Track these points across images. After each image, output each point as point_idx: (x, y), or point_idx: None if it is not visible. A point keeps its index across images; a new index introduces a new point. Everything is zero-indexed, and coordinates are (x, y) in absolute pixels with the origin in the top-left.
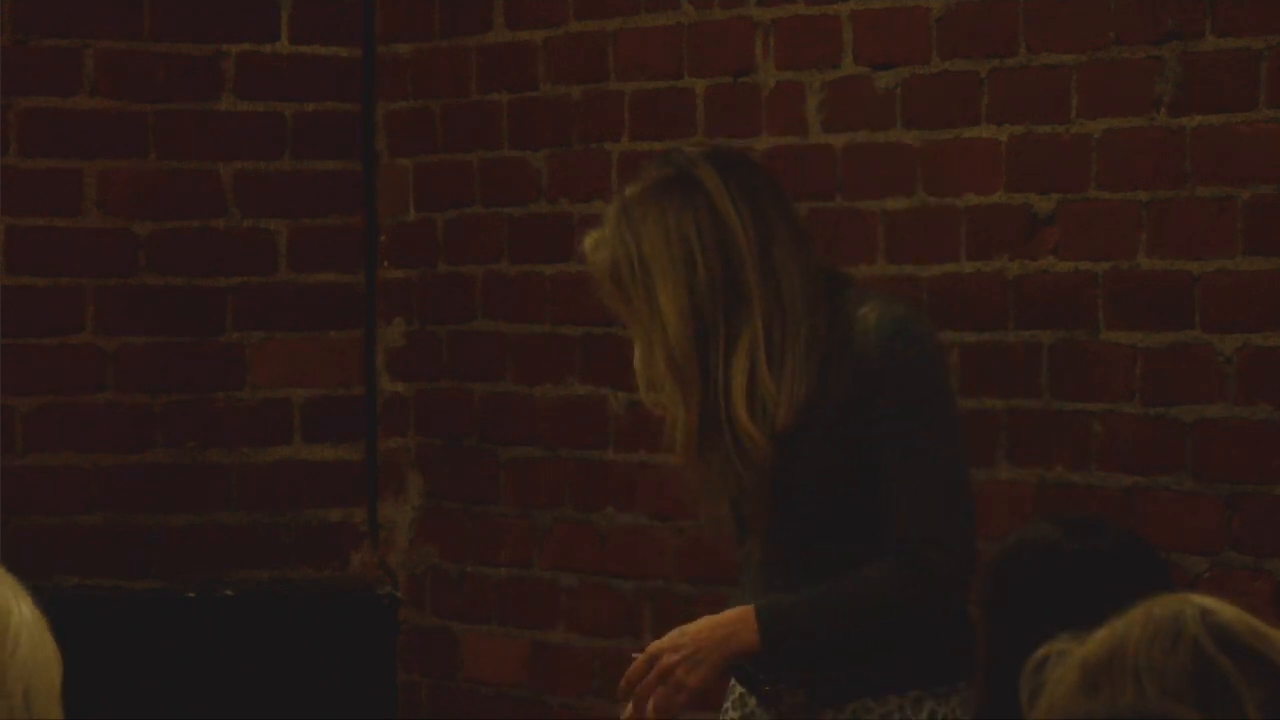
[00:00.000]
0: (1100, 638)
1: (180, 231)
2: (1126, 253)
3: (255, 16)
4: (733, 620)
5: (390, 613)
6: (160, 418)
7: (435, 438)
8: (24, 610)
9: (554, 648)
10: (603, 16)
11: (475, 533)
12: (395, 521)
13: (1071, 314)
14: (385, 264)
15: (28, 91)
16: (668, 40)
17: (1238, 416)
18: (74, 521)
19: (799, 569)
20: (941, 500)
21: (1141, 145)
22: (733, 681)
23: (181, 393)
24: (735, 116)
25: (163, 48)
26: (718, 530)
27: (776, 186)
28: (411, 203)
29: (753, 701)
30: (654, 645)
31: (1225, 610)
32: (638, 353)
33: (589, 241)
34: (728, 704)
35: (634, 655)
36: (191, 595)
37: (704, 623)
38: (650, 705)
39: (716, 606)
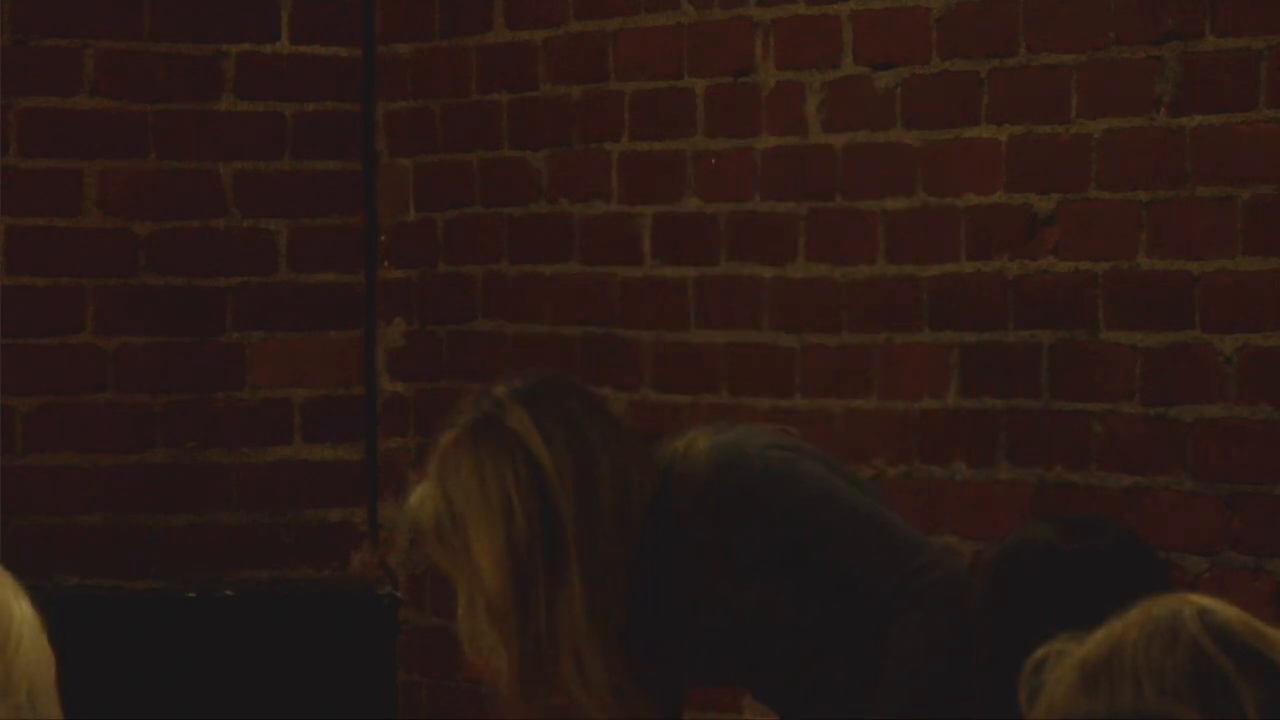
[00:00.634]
0: (1099, 638)
1: (180, 231)
2: (1126, 253)
3: (255, 16)
4: None
5: (390, 613)
6: (160, 418)
7: (435, 438)
8: (24, 609)
9: None
10: (603, 16)
11: None
12: (395, 521)
13: (1071, 314)
14: (385, 264)
15: (28, 91)
16: (668, 40)
17: (1238, 416)
18: (74, 521)
19: (815, 697)
20: (886, 544)
21: (1141, 145)
22: None
23: (181, 393)
24: (735, 116)
25: (163, 48)
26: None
27: (588, 399)
28: (411, 203)
29: None
30: None
31: (1224, 610)
32: (461, 605)
33: (414, 499)
34: None
35: None
36: (191, 595)
37: None
38: None
39: None
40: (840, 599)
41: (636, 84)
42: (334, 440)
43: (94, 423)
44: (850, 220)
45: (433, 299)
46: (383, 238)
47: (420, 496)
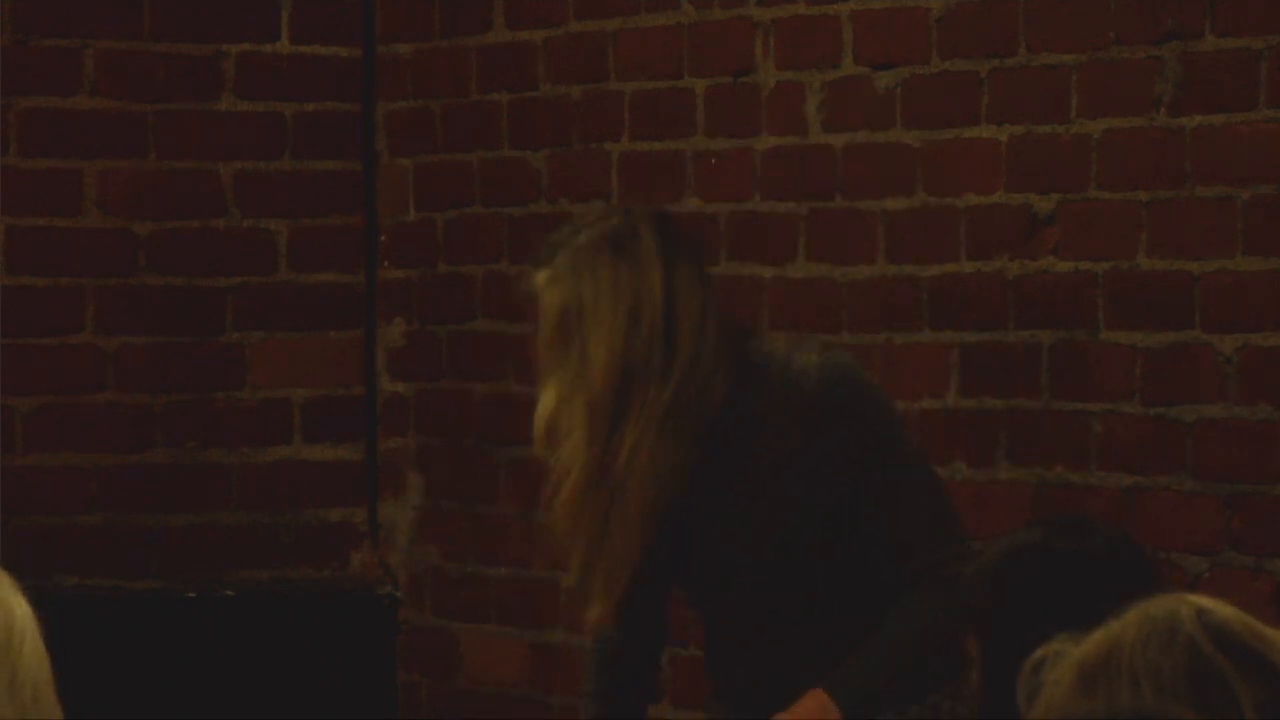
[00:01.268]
0: (1097, 638)
1: (180, 231)
2: (1126, 253)
3: (255, 16)
4: (813, 709)
5: (390, 613)
6: (160, 418)
7: (435, 438)
8: (24, 608)
9: (554, 648)
10: (603, 16)
11: (475, 533)
12: (395, 521)
13: (1071, 314)
14: (385, 264)
15: (28, 91)
16: (668, 40)
17: (1238, 416)
18: (74, 521)
19: (790, 644)
20: (940, 518)
21: (1141, 145)
22: None
23: (181, 393)
24: (735, 116)
25: (163, 48)
26: (582, 590)
27: (700, 250)
28: (411, 203)
29: None
30: None
31: (1222, 609)
32: (549, 399)
33: (542, 278)
34: None
35: None
36: (191, 595)
37: None
38: None
39: None
40: (873, 542)
41: (636, 84)
42: (334, 440)
43: (94, 423)
44: (850, 220)
45: (433, 299)
46: (383, 238)
47: (549, 278)
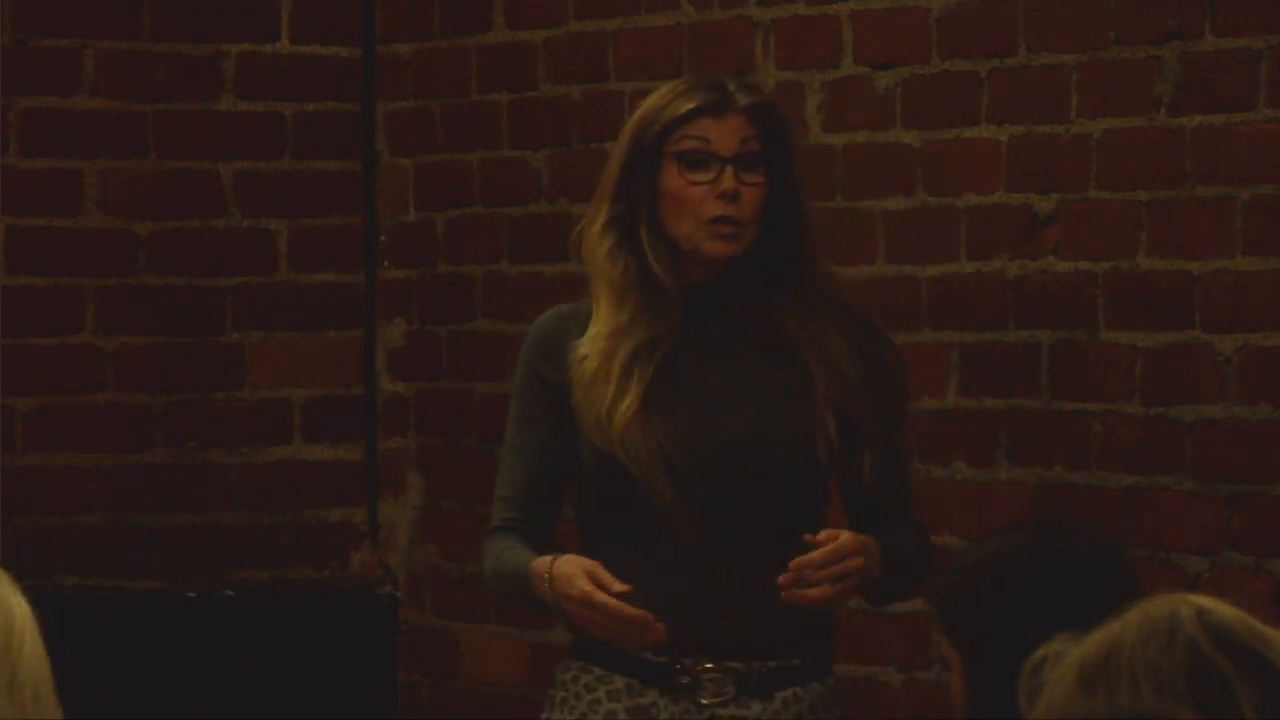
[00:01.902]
0: (1097, 638)
1: (180, 231)
2: (1126, 253)
3: (255, 16)
4: (868, 546)
5: (390, 613)
6: (160, 418)
7: (435, 438)
8: (24, 607)
9: (554, 648)
10: (603, 16)
11: (475, 533)
12: (395, 521)
13: (1071, 314)
14: (385, 264)
15: (28, 91)
16: (668, 40)
17: (1238, 416)
18: (74, 521)
19: (741, 567)
20: (909, 493)
21: (1141, 145)
22: (598, 672)
23: (181, 393)
24: None
25: (163, 48)
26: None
27: None
28: (411, 203)
29: (652, 693)
30: (845, 542)
31: (1222, 609)
32: (751, 198)
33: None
34: (597, 695)
35: (816, 540)
36: (191, 595)
37: (858, 543)
38: (816, 591)
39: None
40: (852, 489)
41: (636, 84)
42: (334, 440)
43: (94, 423)
44: (850, 220)
45: (433, 299)
46: (383, 238)
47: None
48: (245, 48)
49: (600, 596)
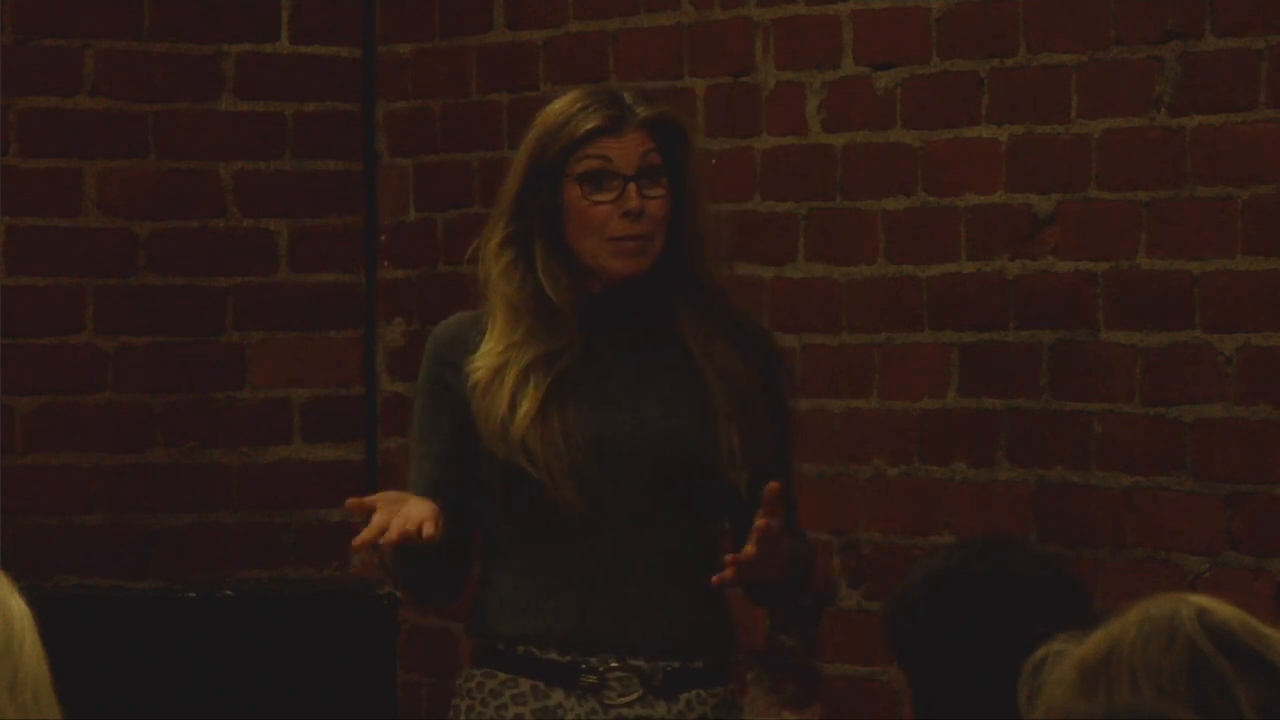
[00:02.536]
0: (1097, 638)
1: (180, 231)
2: (1126, 253)
3: (255, 16)
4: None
5: (390, 613)
6: (160, 418)
7: None
8: (22, 607)
9: None
10: (603, 16)
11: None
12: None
13: (1071, 314)
14: (385, 264)
15: (28, 91)
16: (668, 40)
17: (1238, 416)
18: (74, 521)
19: (647, 568)
20: (794, 502)
21: (1141, 145)
22: (502, 676)
23: (181, 393)
24: (735, 116)
25: (163, 48)
26: None
27: None
28: (411, 203)
29: (558, 694)
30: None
31: (1222, 610)
32: (655, 211)
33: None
34: (502, 699)
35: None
36: (191, 595)
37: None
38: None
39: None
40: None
41: (636, 84)
42: (334, 440)
43: (94, 423)
44: (850, 220)
45: (433, 299)
46: (383, 238)
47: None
48: (245, 48)
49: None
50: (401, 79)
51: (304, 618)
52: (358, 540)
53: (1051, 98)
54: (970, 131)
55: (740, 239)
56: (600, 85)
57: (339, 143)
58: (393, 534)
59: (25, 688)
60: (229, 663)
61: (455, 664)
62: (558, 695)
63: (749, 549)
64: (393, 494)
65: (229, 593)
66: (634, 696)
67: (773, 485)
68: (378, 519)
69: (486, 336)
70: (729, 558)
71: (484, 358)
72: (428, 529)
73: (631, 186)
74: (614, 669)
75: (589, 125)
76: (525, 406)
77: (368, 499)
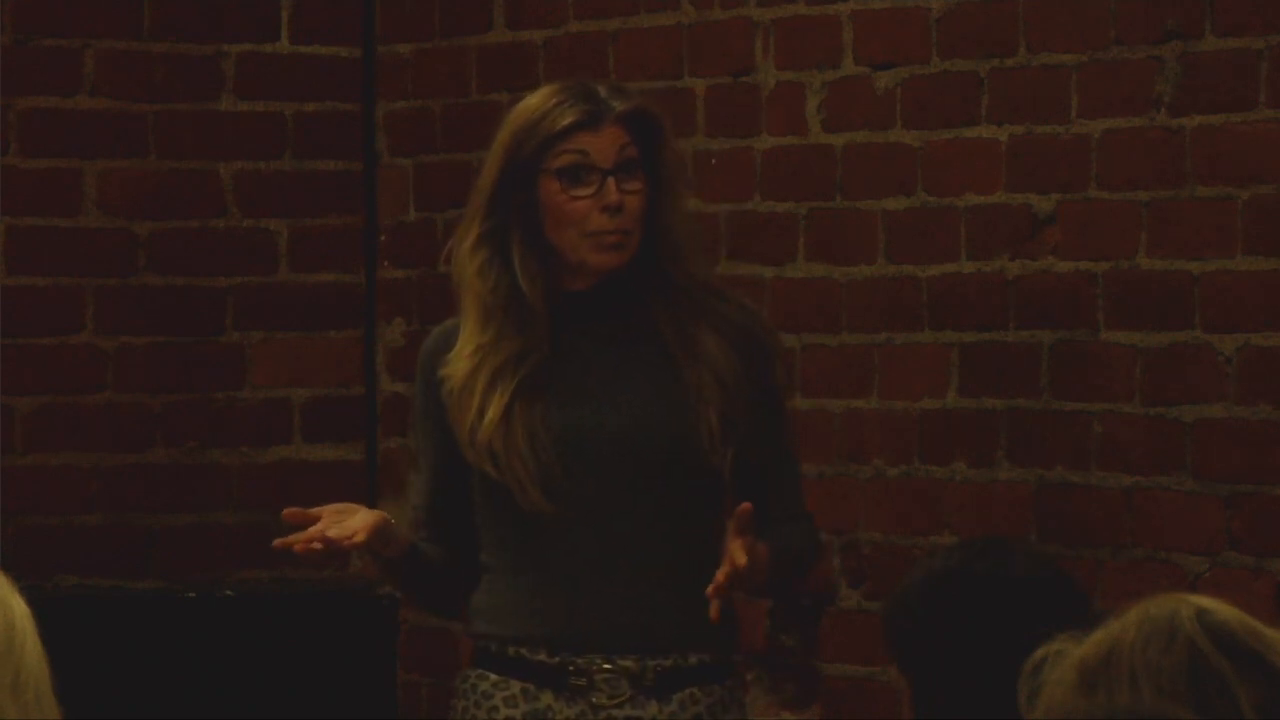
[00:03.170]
0: (1097, 638)
1: (180, 231)
2: (1126, 253)
3: (255, 16)
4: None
5: (390, 613)
6: (160, 418)
7: None
8: (23, 607)
9: None
10: (603, 16)
11: None
12: (395, 521)
13: (1071, 314)
14: (385, 264)
15: (28, 91)
16: (668, 40)
17: (1238, 416)
18: (74, 521)
19: (635, 566)
20: (798, 483)
21: (1141, 145)
22: (494, 678)
23: (181, 393)
24: (735, 116)
25: (163, 48)
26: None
27: None
28: (411, 203)
29: (547, 696)
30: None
31: (1222, 610)
32: (633, 205)
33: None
34: (494, 701)
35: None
36: (191, 595)
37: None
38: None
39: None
40: (747, 483)
41: (636, 84)
42: (334, 440)
43: (94, 423)
44: (850, 220)
45: (433, 299)
46: (383, 238)
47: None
48: (245, 48)
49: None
50: (401, 79)
51: (304, 618)
52: (278, 541)
53: (1051, 98)
54: (970, 131)
55: (740, 239)
56: (572, 80)
57: (339, 143)
58: (316, 544)
59: (27, 688)
60: (229, 663)
61: (455, 664)
62: (547, 697)
63: (719, 576)
64: (341, 505)
65: (229, 593)
66: (622, 698)
67: (745, 507)
68: (314, 529)
69: (460, 339)
70: (709, 591)
71: (456, 362)
72: (358, 538)
73: (610, 181)
74: (603, 670)
75: (566, 120)
76: (490, 413)
77: (311, 510)
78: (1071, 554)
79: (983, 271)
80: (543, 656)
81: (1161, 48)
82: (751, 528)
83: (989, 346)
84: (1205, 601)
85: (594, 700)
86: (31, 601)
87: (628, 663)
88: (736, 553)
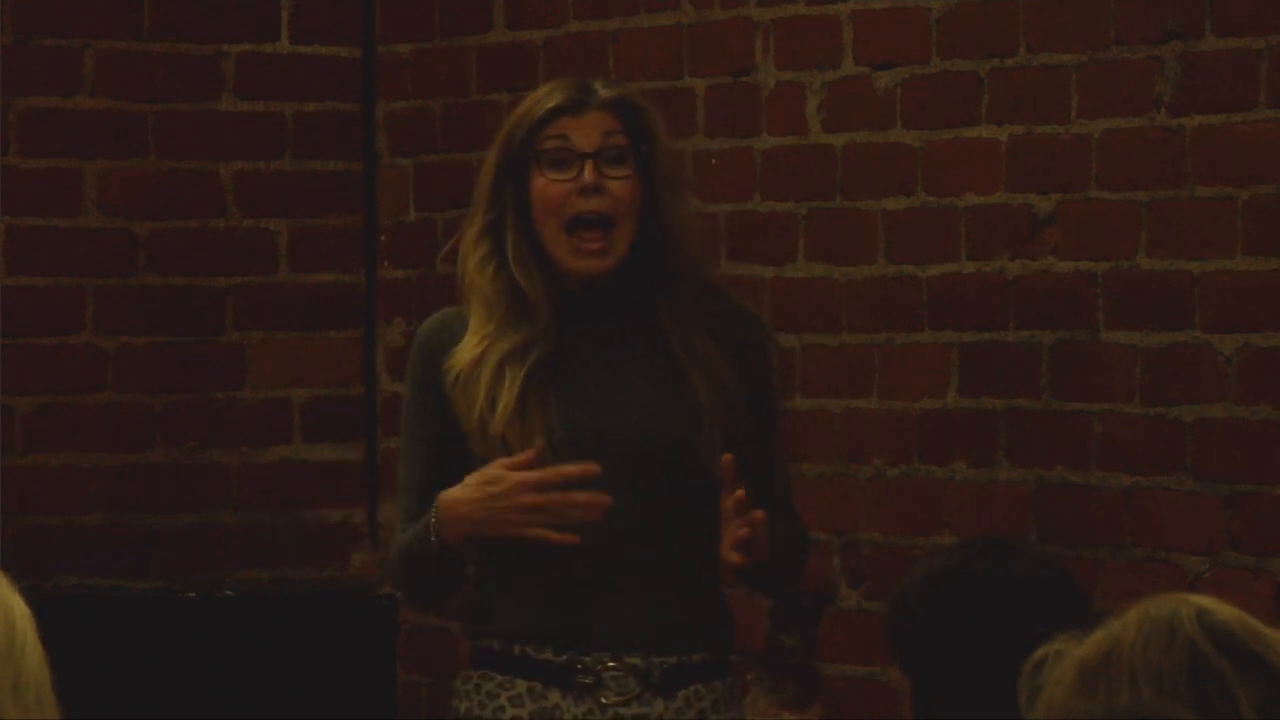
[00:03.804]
0: (1097, 638)
1: (180, 231)
2: (1126, 253)
3: (255, 16)
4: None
5: (390, 613)
6: (160, 418)
7: None
8: (23, 608)
9: None
10: (603, 16)
11: None
12: (395, 522)
13: (1071, 314)
14: (385, 264)
15: (28, 91)
16: (668, 40)
17: (1238, 416)
18: (74, 521)
19: (640, 565)
20: (789, 487)
21: (1141, 145)
22: (499, 678)
23: (181, 393)
24: (735, 116)
25: (163, 48)
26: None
27: None
28: (411, 203)
29: (554, 695)
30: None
31: (1222, 610)
32: (619, 191)
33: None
34: (499, 701)
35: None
36: (191, 595)
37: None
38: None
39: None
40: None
41: (636, 84)
42: (334, 440)
43: (94, 423)
44: (850, 220)
45: (433, 299)
46: (383, 238)
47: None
48: (245, 48)
49: (509, 467)
50: (401, 79)
51: (304, 618)
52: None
53: (1051, 98)
54: (970, 131)
55: (740, 239)
56: (574, 76)
57: (339, 143)
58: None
59: (29, 689)
60: (229, 663)
61: (455, 664)
62: (554, 696)
63: (740, 529)
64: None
65: (229, 593)
66: (630, 695)
67: (727, 457)
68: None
69: (467, 331)
70: (727, 546)
71: (462, 352)
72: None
73: (589, 164)
74: (610, 668)
75: (549, 105)
76: (504, 402)
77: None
78: (1071, 554)
79: (983, 271)
80: (549, 655)
81: (1161, 48)
82: (738, 482)
83: (989, 346)
84: (1205, 601)
85: (601, 699)
86: (31, 601)
87: (635, 660)
88: (743, 526)
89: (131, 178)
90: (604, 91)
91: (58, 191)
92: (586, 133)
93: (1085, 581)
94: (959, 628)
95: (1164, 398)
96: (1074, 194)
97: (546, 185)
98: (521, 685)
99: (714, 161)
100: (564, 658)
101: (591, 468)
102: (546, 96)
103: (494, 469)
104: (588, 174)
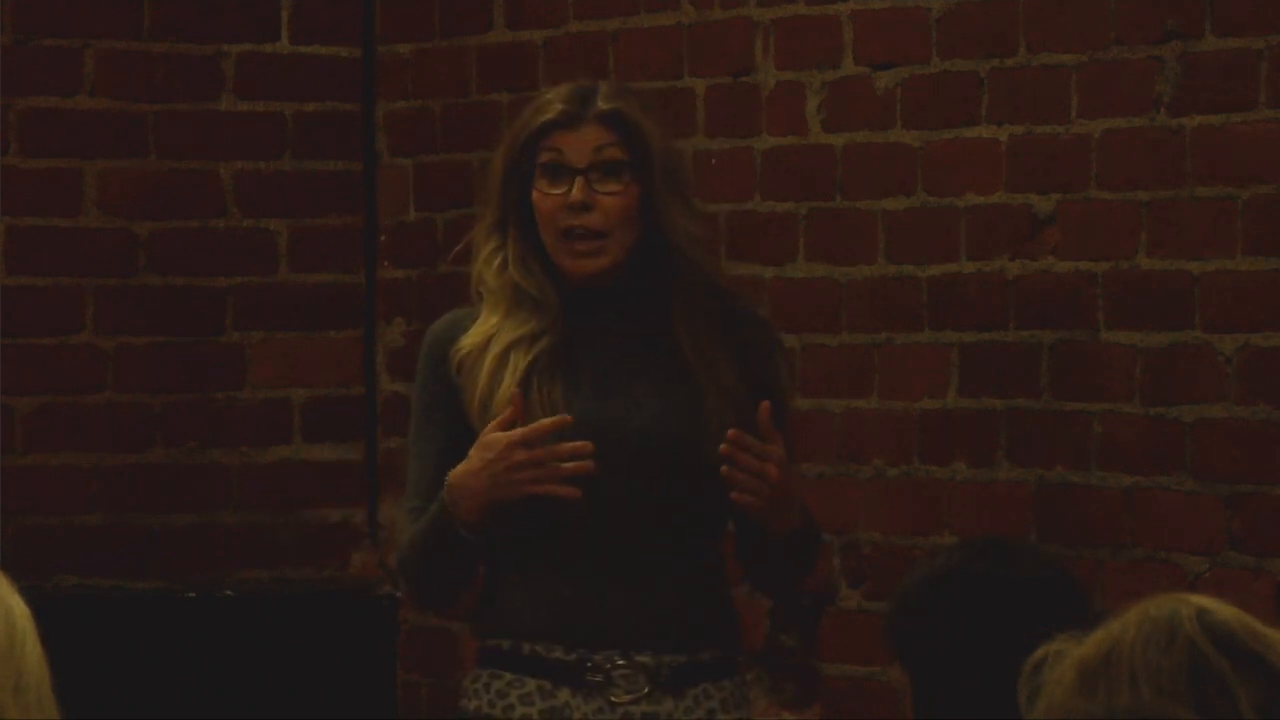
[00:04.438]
0: (1097, 638)
1: (180, 231)
2: (1126, 253)
3: (255, 16)
4: (793, 483)
5: (390, 613)
6: (160, 418)
7: None
8: (23, 608)
9: None
10: (603, 16)
11: None
12: (395, 521)
13: (1071, 314)
14: (385, 264)
15: (28, 91)
16: (668, 40)
17: (1238, 416)
18: (74, 521)
19: (647, 567)
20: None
21: (1141, 145)
22: (509, 677)
23: (181, 393)
24: (735, 116)
25: (163, 48)
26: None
27: None
28: (411, 203)
29: (564, 694)
30: (777, 451)
31: (1222, 610)
32: (610, 206)
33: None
34: (509, 700)
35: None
36: (191, 595)
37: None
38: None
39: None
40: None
41: (636, 84)
42: (334, 440)
43: (94, 423)
44: (850, 220)
45: (433, 299)
46: (383, 238)
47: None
48: (245, 48)
49: (505, 429)
50: (401, 79)
51: (304, 618)
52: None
53: (1051, 98)
54: (970, 131)
55: (740, 239)
56: (580, 80)
57: (339, 143)
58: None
59: (29, 689)
60: (229, 663)
61: (455, 664)
62: (564, 694)
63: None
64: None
65: (229, 593)
66: (640, 694)
67: (765, 405)
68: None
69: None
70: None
71: (470, 336)
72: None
73: (579, 180)
74: (620, 666)
75: (543, 119)
76: (507, 382)
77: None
78: (1071, 554)
79: (983, 271)
80: (559, 654)
81: (1161, 48)
82: (774, 435)
83: (989, 346)
84: (1205, 601)
85: (611, 697)
86: (31, 601)
87: (645, 659)
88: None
89: (131, 178)
90: (601, 103)
91: (58, 191)
92: (579, 148)
93: (1085, 581)
94: (959, 628)
95: (1164, 398)
96: (1074, 194)
97: (542, 198)
98: (531, 684)
99: (714, 161)
100: (574, 656)
101: (585, 445)
102: (545, 107)
103: (486, 435)
104: (576, 191)
